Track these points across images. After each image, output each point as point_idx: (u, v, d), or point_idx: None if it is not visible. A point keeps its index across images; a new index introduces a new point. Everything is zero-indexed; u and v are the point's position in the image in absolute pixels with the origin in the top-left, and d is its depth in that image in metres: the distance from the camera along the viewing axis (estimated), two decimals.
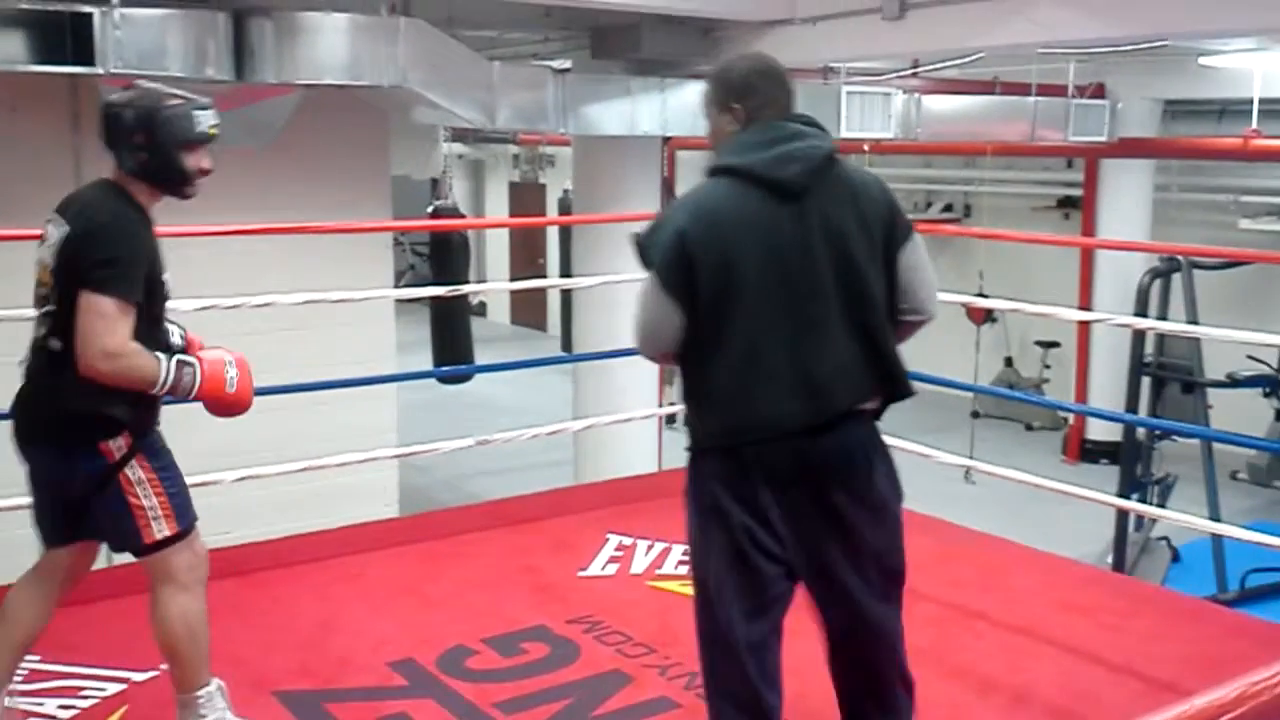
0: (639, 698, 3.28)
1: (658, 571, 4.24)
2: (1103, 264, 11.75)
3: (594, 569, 4.27)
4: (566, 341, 11.90)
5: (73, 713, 3.13)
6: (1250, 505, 10.21)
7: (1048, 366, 13.13)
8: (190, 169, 2.80)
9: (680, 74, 7.12)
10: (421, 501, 8.91)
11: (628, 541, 4.50)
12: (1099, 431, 11.84)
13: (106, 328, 2.64)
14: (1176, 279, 8.41)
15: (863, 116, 7.69)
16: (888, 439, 2.62)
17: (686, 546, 2.64)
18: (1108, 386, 11.05)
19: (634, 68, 7.17)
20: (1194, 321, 7.96)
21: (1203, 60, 9.33)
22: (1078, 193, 12.58)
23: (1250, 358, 9.65)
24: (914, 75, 8.80)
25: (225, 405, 2.87)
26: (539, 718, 3.17)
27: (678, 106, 6.99)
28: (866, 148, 10.08)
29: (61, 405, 2.74)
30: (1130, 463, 8.72)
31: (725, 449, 2.48)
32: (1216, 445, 8.60)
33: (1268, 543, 4.06)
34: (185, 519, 2.85)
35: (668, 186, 9.91)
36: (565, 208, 15.36)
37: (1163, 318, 8.22)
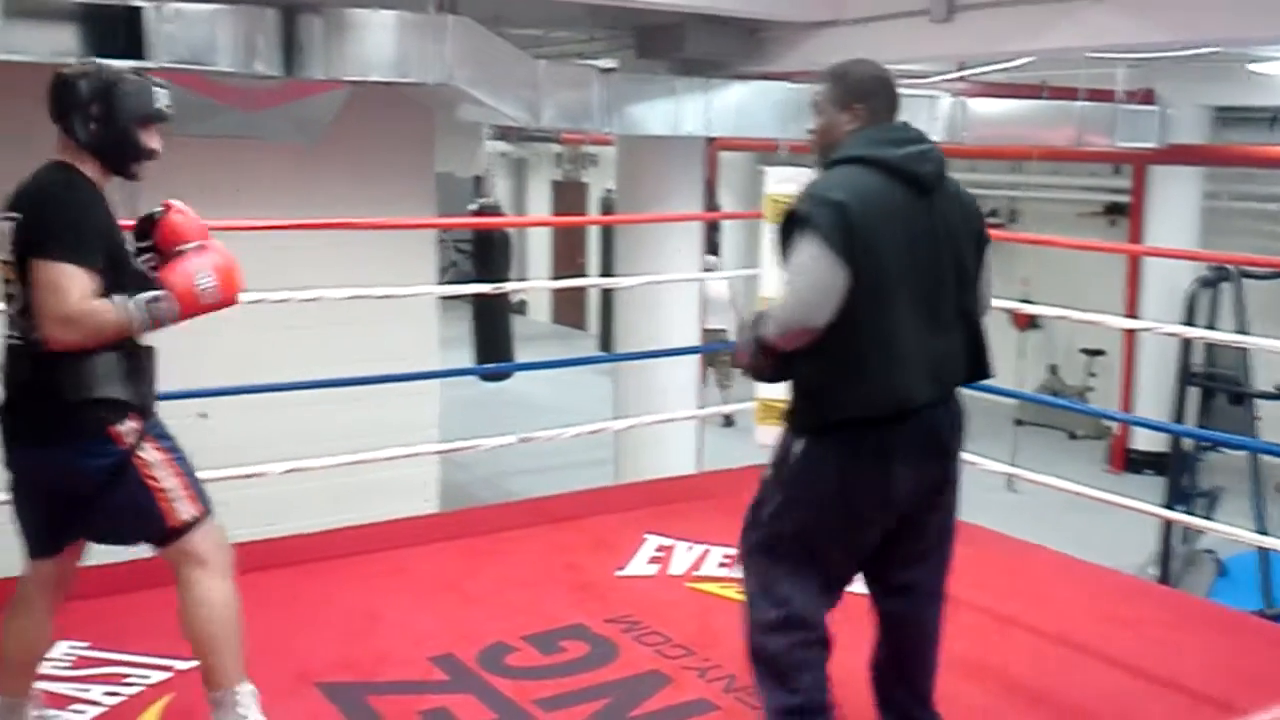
0: (678, 699, 3.27)
1: (697, 573, 4.23)
2: (1150, 272, 11.61)
3: (633, 569, 4.27)
4: (604, 341, 11.94)
5: (118, 700, 3.16)
6: None
7: (1093, 375, 13.00)
8: (144, 146, 2.71)
9: (725, 74, 7.11)
10: (461, 498, 8.95)
11: (667, 542, 4.49)
12: (1144, 441, 11.71)
13: (60, 295, 2.52)
14: (1225, 288, 8.30)
15: (908, 119, 7.58)
16: None
17: (771, 521, 2.74)
18: (1154, 396, 10.93)
19: (679, 68, 7.17)
20: (1243, 331, 7.86)
21: (1253, 67, 9.21)
22: (1125, 199, 12.44)
23: None
24: (960, 78, 8.75)
25: (211, 312, 2.75)
26: (578, 716, 3.17)
27: (722, 107, 6.98)
28: None
29: (56, 397, 2.60)
30: (1176, 473, 8.62)
31: (860, 424, 2.62)
32: (1264, 457, 8.48)
33: None
34: (205, 498, 2.75)
35: (709, 188, 9.90)
36: (607, 207, 15.41)
37: (1211, 327, 8.12)
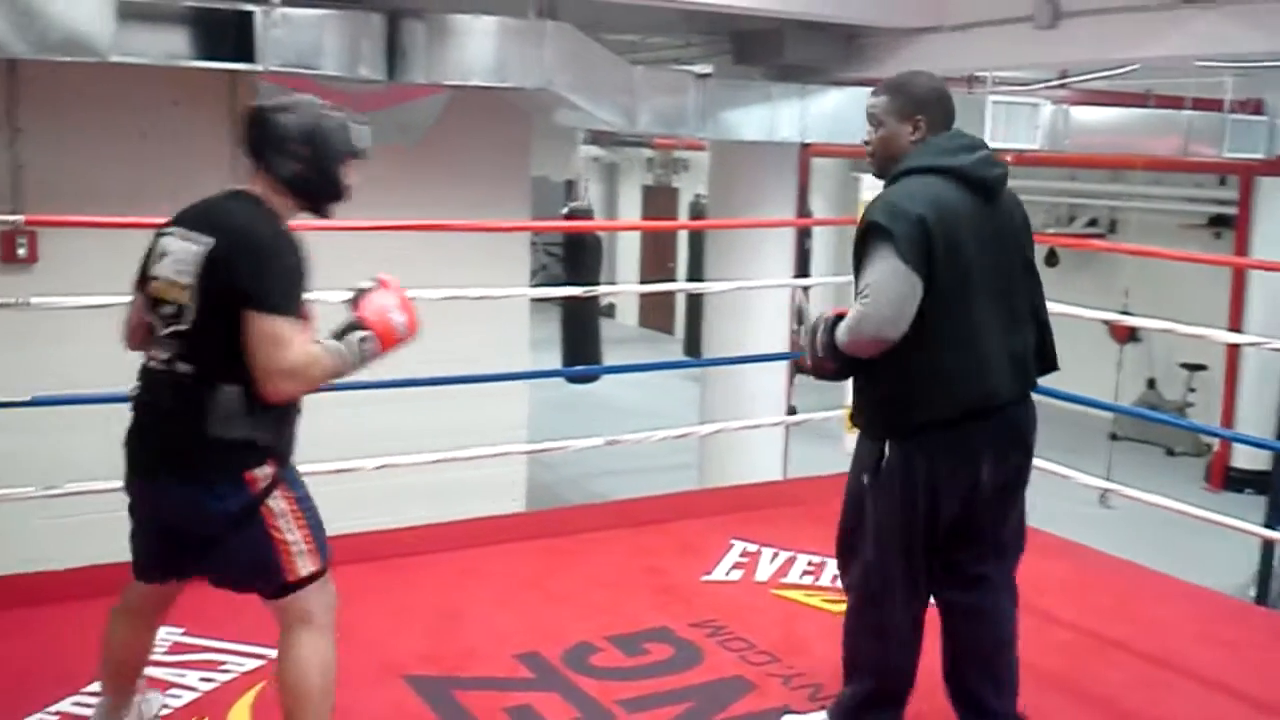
0: (762, 705, 3.26)
1: (782, 580, 4.21)
2: (1255, 285, 11.30)
3: (718, 574, 4.27)
4: (690, 345, 11.96)
5: (212, 686, 3.24)
6: None
7: (1192, 390, 12.66)
8: (344, 185, 2.68)
9: (822, 80, 7.07)
10: (547, 498, 9.02)
11: (752, 548, 4.49)
12: (1245, 459, 11.37)
13: (283, 349, 2.44)
14: None
15: (1008, 127, 7.52)
16: None
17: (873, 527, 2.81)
18: (1256, 413, 10.63)
19: (775, 74, 7.15)
20: None
21: None
22: (1230, 211, 12.11)
23: None
24: (1062, 85, 8.58)
25: (400, 348, 2.71)
26: (661, 719, 3.18)
27: (818, 113, 6.94)
28: (1009, 158, 9.87)
29: (201, 434, 2.48)
30: (1278, 492, 8.36)
31: (948, 424, 2.70)
32: None
33: None
34: (324, 554, 2.65)
35: (802, 193, 9.85)
36: (697, 212, 15.40)
37: None
